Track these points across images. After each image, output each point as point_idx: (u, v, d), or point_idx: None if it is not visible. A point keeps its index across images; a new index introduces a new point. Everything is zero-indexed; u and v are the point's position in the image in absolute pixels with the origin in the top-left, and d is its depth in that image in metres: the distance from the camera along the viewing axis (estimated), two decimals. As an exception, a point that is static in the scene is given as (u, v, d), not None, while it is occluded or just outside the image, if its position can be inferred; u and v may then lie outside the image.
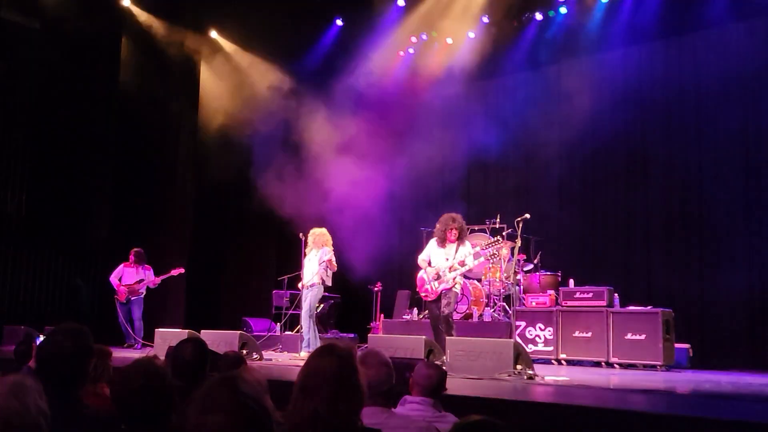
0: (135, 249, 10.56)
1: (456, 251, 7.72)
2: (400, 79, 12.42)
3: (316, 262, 8.78)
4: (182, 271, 10.69)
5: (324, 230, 9.07)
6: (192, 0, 12.45)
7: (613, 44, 10.67)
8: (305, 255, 8.96)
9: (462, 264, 7.68)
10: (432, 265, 7.86)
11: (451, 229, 7.77)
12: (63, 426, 1.94)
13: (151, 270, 10.58)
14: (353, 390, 2.14)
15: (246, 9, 11.58)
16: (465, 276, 10.21)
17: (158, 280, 10.53)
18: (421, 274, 7.96)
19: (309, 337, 8.65)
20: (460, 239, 7.77)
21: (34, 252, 11.47)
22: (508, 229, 9.75)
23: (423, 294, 7.99)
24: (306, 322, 8.76)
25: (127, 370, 2.43)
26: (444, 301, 7.64)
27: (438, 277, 7.72)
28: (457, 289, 7.83)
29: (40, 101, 11.53)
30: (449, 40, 11.90)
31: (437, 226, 7.93)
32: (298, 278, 10.00)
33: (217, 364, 4.24)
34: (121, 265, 10.53)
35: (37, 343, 3.86)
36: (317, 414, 2.06)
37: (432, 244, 8.05)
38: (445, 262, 7.72)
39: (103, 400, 3.26)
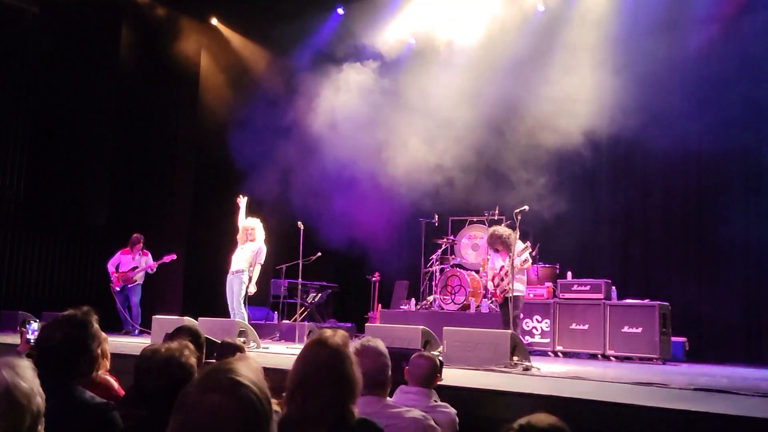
0: (133, 234, 10.49)
1: (506, 258, 7.86)
2: (399, 68, 12.37)
3: (249, 251, 8.80)
4: (174, 257, 10.52)
5: (257, 221, 9.01)
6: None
7: (609, 39, 10.61)
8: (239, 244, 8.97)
9: (506, 269, 7.77)
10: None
11: (489, 244, 8.21)
12: (58, 412, 1.94)
13: (149, 255, 10.49)
14: (347, 380, 2.15)
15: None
16: (461, 267, 10.26)
17: (155, 265, 10.43)
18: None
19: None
20: (505, 247, 7.86)
21: (33, 237, 11.44)
22: (507, 221, 9.75)
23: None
24: (243, 309, 8.69)
25: (162, 353, 2.41)
26: (511, 305, 7.75)
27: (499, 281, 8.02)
28: (521, 291, 7.94)
29: (39, 85, 11.47)
30: (449, 30, 11.84)
31: None
32: (297, 267, 10.05)
33: (213, 351, 4.25)
34: (118, 253, 10.45)
35: (28, 328, 3.84)
36: (312, 404, 2.07)
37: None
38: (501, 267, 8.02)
39: (98, 386, 3.26)
